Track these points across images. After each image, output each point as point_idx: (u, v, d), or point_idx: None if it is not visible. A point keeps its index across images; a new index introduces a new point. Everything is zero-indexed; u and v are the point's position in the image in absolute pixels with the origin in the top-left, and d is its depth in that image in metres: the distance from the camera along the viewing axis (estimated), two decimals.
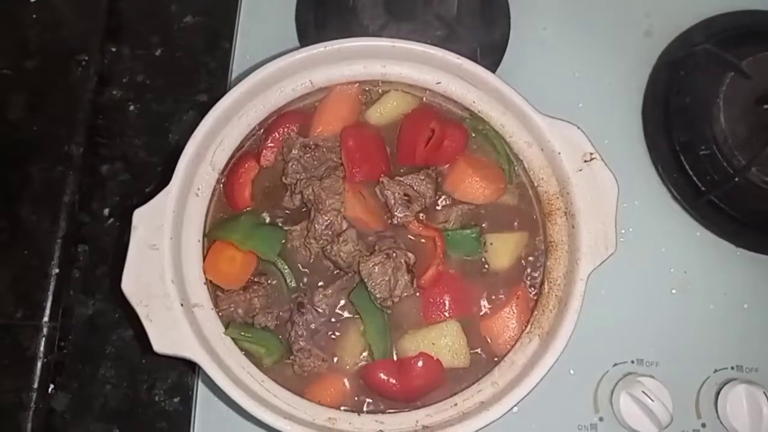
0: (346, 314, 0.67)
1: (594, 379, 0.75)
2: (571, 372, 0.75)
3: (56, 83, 0.83)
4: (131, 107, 0.85)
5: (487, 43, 0.83)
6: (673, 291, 0.79)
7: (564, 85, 0.85)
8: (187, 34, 0.87)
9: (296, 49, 0.68)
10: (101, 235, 0.81)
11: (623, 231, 0.79)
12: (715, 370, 0.76)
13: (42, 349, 0.76)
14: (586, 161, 0.66)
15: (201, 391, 0.74)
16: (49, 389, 0.76)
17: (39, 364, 0.75)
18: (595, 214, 0.65)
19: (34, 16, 0.86)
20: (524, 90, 0.70)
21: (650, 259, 0.80)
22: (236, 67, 0.83)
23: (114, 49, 0.86)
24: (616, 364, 0.76)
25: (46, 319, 0.77)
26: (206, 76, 0.86)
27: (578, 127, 0.68)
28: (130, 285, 0.61)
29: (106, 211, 0.82)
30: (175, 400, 0.77)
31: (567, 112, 0.72)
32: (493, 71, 0.82)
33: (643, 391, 0.70)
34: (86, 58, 0.84)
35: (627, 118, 0.84)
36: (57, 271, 0.78)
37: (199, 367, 0.73)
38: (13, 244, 0.79)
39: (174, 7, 0.88)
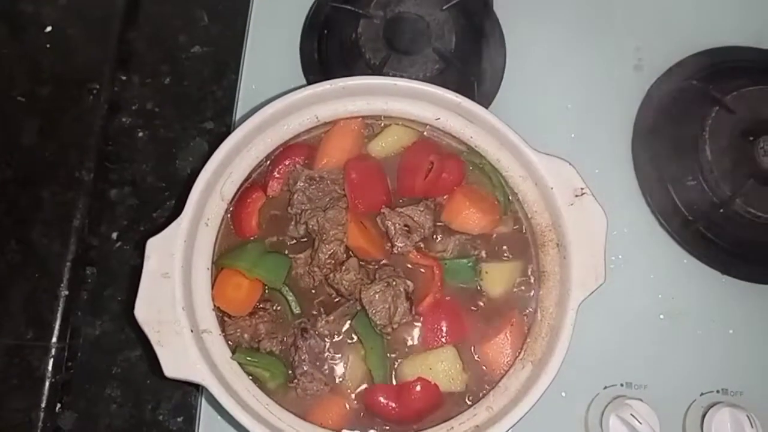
0: (347, 340, 0.69)
1: (585, 401, 0.77)
2: (563, 394, 0.77)
3: (68, 110, 0.85)
4: (140, 134, 0.86)
5: (484, 76, 0.86)
6: (661, 316, 0.81)
7: (557, 117, 0.87)
8: (195, 64, 0.89)
9: (303, 86, 0.70)
10: (109, 257, 0.82)
11: (613, 258, 0.81)
12: (702, 394, 0.78)
13: (50, 368, 0.77)
14: (577, 196, 0.69)
15: (204, 411, 0.76)
16: (57, 408, 0.77)
17: (47, 384, 0.76)
18: (585, 247, 0.67)
19: (48, 45, 0.87)
20: (519, 120, 0.72)
21: (639, 286, 0.82)
22: (242, 97, 0.85)
23: (124, 78, 0.88)
24: (606, 387, 0.77)
25: (54, 339, 0.78)
26: (213, 105, 0.88)
27: (570, 164, 0.70)
28: (142, 311, 0.63)
29: (115, 235, 0.83)
30: (179, 419, 0.78)
31: (560, 143, 0.74)
32: (490, 102, 0.86)
33: (631, 414, 0.72)
34: (97, 86, 0.86)
35: (617, 148, 0.86)
36: (66, 292, 0.79)
37: (203, 388, 0.75)
38: (25, 266, 0.80)
39: (182, 38, 0.90)
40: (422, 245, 0.72)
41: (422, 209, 0.71)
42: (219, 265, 0.70)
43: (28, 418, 0.76)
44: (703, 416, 0.76)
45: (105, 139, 0.86)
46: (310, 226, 0.70)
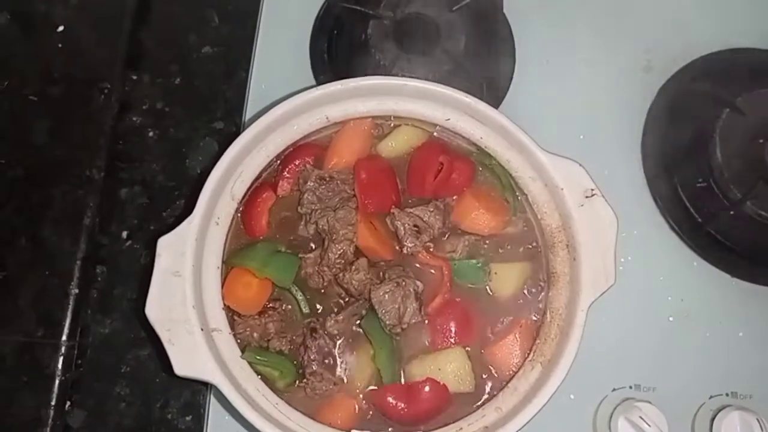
0: (356, 340, 0.70)
1: (593, 403, 0.77)
2: (571, 396, 0.77)
3: (79, 110, 0.86)
4: (150, 133, 0.87)
5: (493, 77, 0.86)
6: (671, 318, 0.81)
7: (566, 118, 0.87)
8: (205, 64, 0.90)
9: (312, 86, 0.71)
10: (119, 256, 0.83)
11: (622, 260, 0.81)
12: (711, 397, 0.78)
13: (60, 366, 0.78)
14: (587, 197, 0.69)
15: (212, 410, 0.76)
16: (66, 406, 0.78)
17: (57, 382, 0.77)
18: (595, 248, 0.67)
19: (59, 45, 0.88)
20: (527, 122, 0.72)
21: (648, 287, 0.82)
22: (252, 97, 0.86)
23: (135, 77, 0.89)
24: (614, 389, 0.77)
25: (64, 337, 0.78)
26: (223, 104, 0.88)
27: (580, 164, 0.70)
28: (153, 310, 0.63)
29: (125, 234, 0.84)
30: (187, 418, 0.79)
31: (568, 144, 0.74)
32: (498, 103, 0.86)
33: (640, 417, 0.72)
34: (108, 85, 0.87)
35: (626, 150, 0.86)
36: (76, 291, 0.80)
37: (211, 387, 0.76)
38: (35, 264, 0.80)
39: (193, 38, 0.91)
40: (431, 246, 0.72)
41: (432, 210, 0.71)
42: (229, 264, 0.70)
43: (38, 415, 0.76)
44: (713, 419, 0.76)
45: (115, 139, 0.86)
46: (320, 226, 0.70)
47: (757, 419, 0.73)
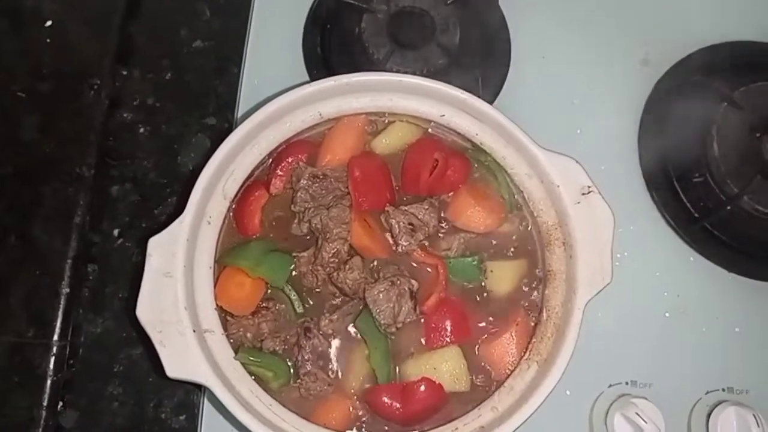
0: (351, 339, 0.69)
1: (589, 399, 0.77)
2: (568, 392, 0.77)
3: (69, 106, 0.85)
4: (141, 129, 0.86)
5: (489, 71, 0.85)
6: (667, 314, 0.81)
7: (563, 112, 0.86)
8: (197, 59, 0.88)
9: (305, 81, 0.70)
10: (111, 254, 0.82)
11: (619, 255, 0.81)
12: (707, 392, 0.78)
13: (52, 366, 0.77)
14: (583, 194, 0.68)
15: (206, 409, 0.76)
16: (59, 406, 0.77)
17: (49, 382, 0.76)
18: (592, 246, 0.67)
19: (48, 40, 0.87)
20: (524, 116, 0.72)
21: (645, 283, 0.81)
22: (244, 92, 0.85)
23: (125, 73, 0.88)
24: (611, 385, 0.77)
25: (56, 337, 0.78)
26: (215, 100, 0.87)
27: (576, 161, 0.69)
28: (144, 312, 0.63)
29: (116, 232, 0.83)
30: (181, 418, 0.78)
31: (565, 138, 0.74)
32: (495, 98, 0.85)
33: (636, 413, 0.72)
34: (98, 81, 0.85)
35: (623, 144, 0.86)
36: (67, 290, 0.79)
37: (205, 388, 0.75)
38: (26, 263, 0.80)
39: (184, 32, 0.89)
40: (426, 244, 0.71)
41: (427, 207, 0.71)
42: (221, 263, 0.69)
43: (30, 416, 0.76)
44: (709, 415, 0.76)
45: (106, 135, 0.85)
46: (314, 225, 0.69)
47: (754, 415, 0.73)
